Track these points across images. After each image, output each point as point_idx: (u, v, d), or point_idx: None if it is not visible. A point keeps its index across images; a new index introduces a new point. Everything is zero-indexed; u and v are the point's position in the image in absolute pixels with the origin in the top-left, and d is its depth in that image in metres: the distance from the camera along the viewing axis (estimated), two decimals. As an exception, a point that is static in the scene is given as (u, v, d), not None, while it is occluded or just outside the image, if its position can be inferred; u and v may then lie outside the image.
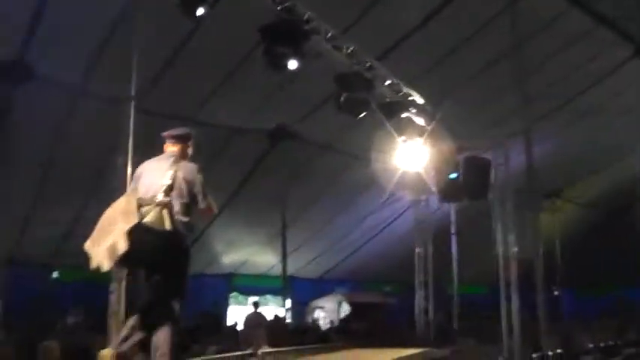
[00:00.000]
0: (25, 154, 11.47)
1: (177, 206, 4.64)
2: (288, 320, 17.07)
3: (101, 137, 10.09)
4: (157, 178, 4.70)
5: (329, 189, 16.28)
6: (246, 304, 19.45)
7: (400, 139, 11.01)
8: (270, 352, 7.84)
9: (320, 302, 19.22)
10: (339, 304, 18.82)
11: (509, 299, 10.85)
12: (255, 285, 18.89)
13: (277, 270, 19.10)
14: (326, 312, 18.75)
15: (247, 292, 19.26)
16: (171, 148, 4.97)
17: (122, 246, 4.29)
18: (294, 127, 14.10)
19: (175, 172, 4.70)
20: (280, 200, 15.15)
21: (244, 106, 12.90)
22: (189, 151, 5.04)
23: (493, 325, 11.60)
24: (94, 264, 4.41)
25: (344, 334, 14.00)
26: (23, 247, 14.17)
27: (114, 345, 4.58)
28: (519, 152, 11.77)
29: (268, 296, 19.77)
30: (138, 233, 4.39)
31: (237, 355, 7.08)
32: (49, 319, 13.02)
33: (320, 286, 20.35)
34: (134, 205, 4.53)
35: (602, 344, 14.95)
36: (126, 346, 4.51)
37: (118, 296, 5.43)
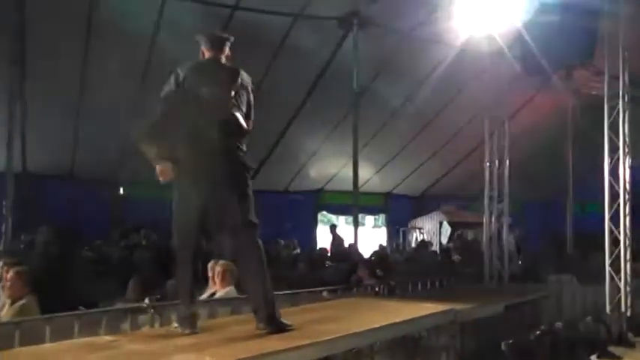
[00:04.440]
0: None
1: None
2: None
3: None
4: (217, 85, 4.67)
5: (422, 85, 14.49)
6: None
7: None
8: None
9: (418, 222, 17.79)
10: (440, 224, 17.26)
11: (616, 220, 8.76)
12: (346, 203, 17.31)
13: (373, 185, 17.97)
14: (426, 233, 17.25)
15: (338, 211, 18.01)
16: (211, 53, 4.90)
17: None
18: (368, 12, 12.44)
19: (238, 80, 4.72)
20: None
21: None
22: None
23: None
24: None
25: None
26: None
27: None
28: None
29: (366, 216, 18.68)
30: None
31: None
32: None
33: (423, 204, 18.88)
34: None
35: None
36: None
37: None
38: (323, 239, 17.61)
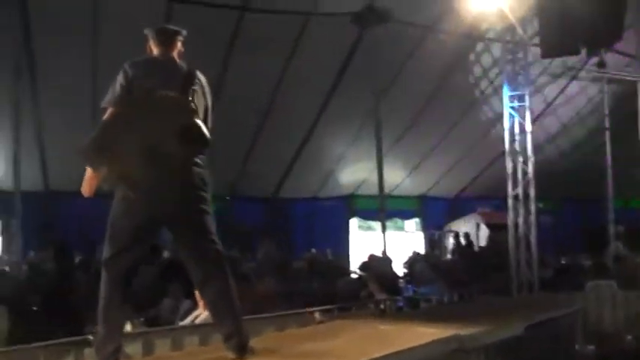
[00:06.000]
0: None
1: None
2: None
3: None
4: (174, 87, 4.09)
5: (447, 83, 13.94)
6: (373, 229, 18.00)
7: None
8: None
9: (454, 225, 17.11)
10: (477, 226, 16.53)
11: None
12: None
13: (405, 189, 17.51)
14: (462, 237, 16.52)
15: (372, 216, 17.45)
16: (161, 50, 4.32)
17: None
18: (385, 7, 12.01)
19: (196, 82, 4.18)
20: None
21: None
22: None
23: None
24: None
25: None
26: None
27: None
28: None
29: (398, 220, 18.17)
30: None
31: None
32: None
33: (458, 206, 18.27)
34: None
35: None
36: None
37: None
38: (358, 247, 17.16)
